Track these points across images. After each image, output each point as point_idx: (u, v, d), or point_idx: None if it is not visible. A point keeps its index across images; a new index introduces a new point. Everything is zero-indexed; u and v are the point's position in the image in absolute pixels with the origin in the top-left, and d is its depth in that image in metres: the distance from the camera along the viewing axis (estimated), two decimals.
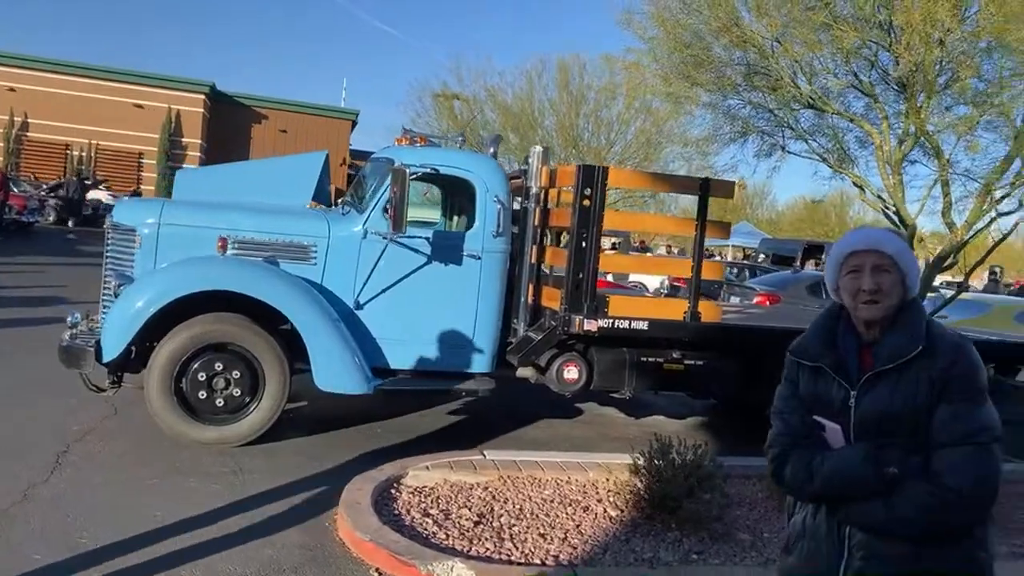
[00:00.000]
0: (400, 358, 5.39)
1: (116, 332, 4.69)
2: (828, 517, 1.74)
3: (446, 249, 5.39)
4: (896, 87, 8.09)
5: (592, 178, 5.15)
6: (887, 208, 8.96)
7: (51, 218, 19.34)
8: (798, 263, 19.60)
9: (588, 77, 18.61)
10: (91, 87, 32.92)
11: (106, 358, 4.70)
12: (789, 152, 9.66)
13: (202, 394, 4.85)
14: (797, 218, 41.58)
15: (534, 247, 5.58)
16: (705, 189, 5.38)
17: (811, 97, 8.28)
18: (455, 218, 6.23)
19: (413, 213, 5.53)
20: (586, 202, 5.16)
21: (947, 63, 7.32)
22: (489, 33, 76.65)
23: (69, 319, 5.12)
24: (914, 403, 1.66)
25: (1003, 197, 8.45)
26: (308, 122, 38.18)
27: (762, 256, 21.61)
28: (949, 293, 9.81)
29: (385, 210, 5.26)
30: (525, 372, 5.77)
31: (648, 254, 19.69)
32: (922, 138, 8.06)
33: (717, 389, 5.87)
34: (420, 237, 5.31)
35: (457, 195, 5.88)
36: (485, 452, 4.96)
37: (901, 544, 1.65)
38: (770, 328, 6.09)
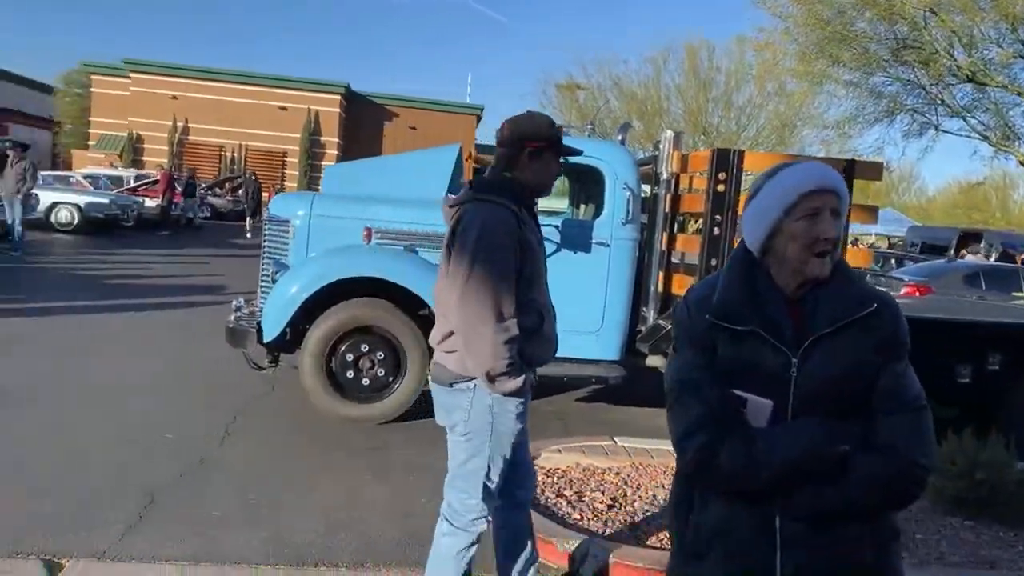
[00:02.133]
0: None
1: (274, 315, 5.11)
2: (753, 509, 1.45)
3: (575, 237, 5.45)
4: None
5: (727, 162, 5.04)
6: None
7: (209, 214, 21.18)
8: (952, 252, 18.14)
9: (717, 60, 18.05)
10: (241, 92, 35.62)
11: (266, 339, 5.13)
12: (943, 131, 9.00)
13: (350, 374, 5.19)
14: (950, 203, 38.36)
15: (665, 234, 5.53)
16: (850, 171, 5.12)
17: (970, 70, 7.65)
18: (582, 206, 6.27)
19: (542, 203, 5.63)
20: (720, 187, 5.05)
21: None
22: (612, 23, 75.70)
23: (234, 303, 5.63)
24: (859, 370, 1.44)
25: None
26: (435, 118, 39.44)
27: (911, 244, 20.16)
28: None
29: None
30: (655, 360, 5.74)
31: None
32: None
33: None
34: (550, 225, 5.40)
35: (585, 183, 5.92)
36: (616, 438, 5.00)
37: (843, 528, 1.43)
38: (921, 318, 5.72)
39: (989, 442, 4.22)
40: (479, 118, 40.98)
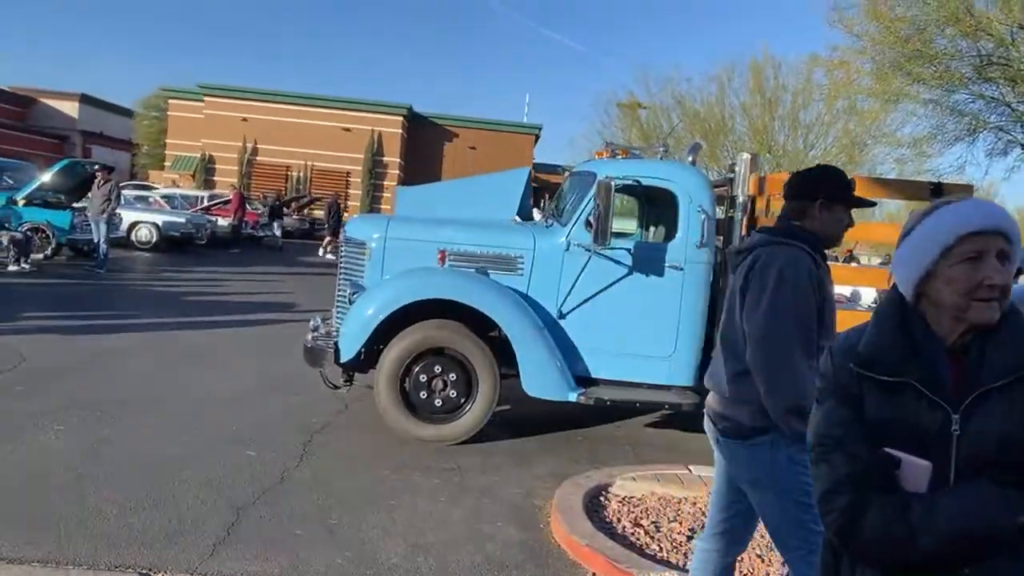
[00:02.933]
0: (601, 367, 5.48)
1: (351, 336, 5.21)
2: None
3: (648, 260, 5.41)
4: None
5: None
6: None
7: (279, 232, 21.79)
8: None
9: (783, 78, 17.76)
10: (307, 114, 36.72)
11: (343, 359, 5.24)
12: None
13: (423, 394, 5.25)
14: None
15: None
16: (937, 193, 4.94)
17: None
18: (651, 228, 6.23)
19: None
20: None
21: None
22: (672, 41, 75.35)
23: (311, 323, 5.77)
24: None
25: None
26: (494, 138, 39.85)
27: None
28: None
29: (588, 223, 5.42)
30: None
31: (854, 264, 18.32)
32: None
33: None
34: (622, 248, 5.38)
35: (657, 205, 5.88)
36: (691, 467, 4.91)
37: None
38: None
39: None
40: (537, 137, 41.21)
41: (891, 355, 1.37)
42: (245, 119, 36.37)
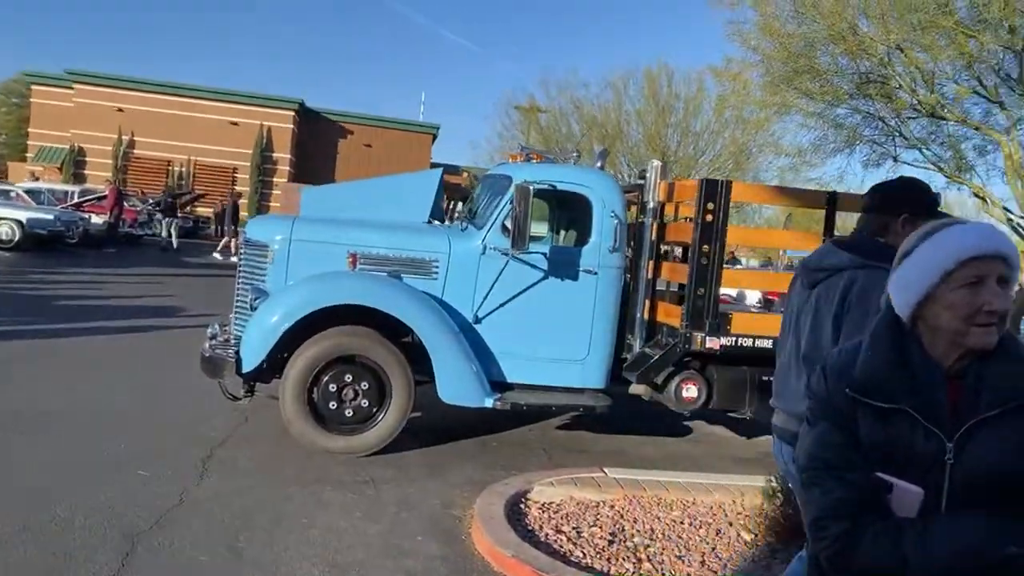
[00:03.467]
0: (516, 372, 5.44)
1: (255, 345, 4.92)
2: None
3: (562, 265, 5.42)
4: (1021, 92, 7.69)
5: (715, 193, 5.09)
6: (1011, 217, 8.51)
7: (174, 230, 20.41)
8: None
9: (676, 87, 18.46)
10: (190, 106, 34.78)
11: (245, 369, 4.93)
12: (901, 161, 9.32)
13: (332, 404, 5.02)
14: None
15: (651, 262, 5.55)
16: (833, 203, 5.23)
17: (930, 105, 7.96)
18: (562, 233, 6.25)
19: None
20: (708, 217, 5.09)
21: None
22: (571, 47, 76.84)
23: (209, 330, 5.40)
24: None
25: None
26: (391, 136, 39.24)
27: None
28: None
29: (504, 227, 5.37)
30: (638, 389, 5.73)
31: (738, 266, 19.30)
32: None
33: None
34: (538, 252, 5.36)
35: (569, 210, 5.90)
36: (605, 469, 4.95)
37: None
38: None
39: None
40: (435, 137, 40.93)
41: (888, 381, 1.35)
42: (120, 109, 34.02)
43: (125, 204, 20.44)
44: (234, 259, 18.27)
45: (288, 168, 36.12)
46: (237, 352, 5.01)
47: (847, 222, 5.45)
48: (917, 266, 1.39)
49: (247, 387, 5.27)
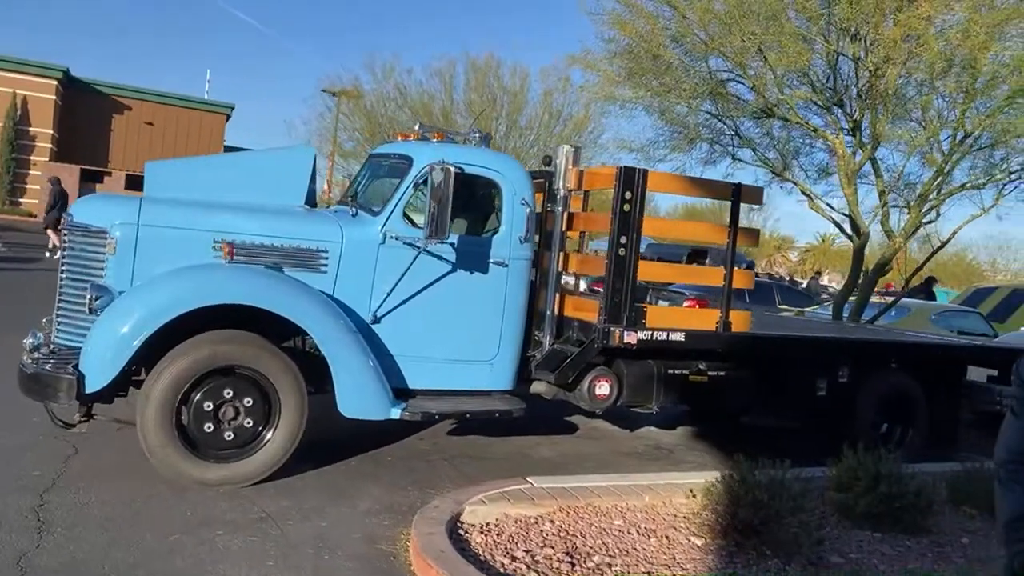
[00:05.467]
0: (418, 376, 4.86)
1: (104, 358, 3.86)
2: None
3: (471, 256, 4.92)
4: (856, 99, 8.42)
5: (633, 181, 4.87)
6: (834, 215, 9.34)
7: None
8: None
9: (504, 79, 18.44)
10: None
11: (92, 388, 3.86)
12: (739, 159, 9.88)
13: (208, 426, 4.10)
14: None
15: (561, 253, 5.22)
16: (737, 195, 5.25)
17: (766, 107, 8.48)
18: (462, 221, 5.74)
19: (412, 216, 5.00)
20: (626, 207, 4.87)
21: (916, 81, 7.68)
22: (392, 32, 74.21)
23: (28, 341, 4.19)
24: None
25: (931, 208, 9.04)
26: (178, 115, 35.52)
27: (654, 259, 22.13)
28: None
29: (405, 214, 4.77)
30: (540, 388, 5.39)
31: None
32: (875, 149, 8.43)
33: (738, 400, 5.75)
34: (444, 243, 4.80)
35: (475, 196, 5.39)
36: (529, 479, 4.54)
37: None
38: (798, 337, 6.12)
39: (882, 454, 4.50)
40: (228, 117, 37.67)
41: None
42: None
43: None
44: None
45: (51, 145, 31.30)
46: (76, 368, 3.91)
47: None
48: None
49: (83, 411, 4.17)
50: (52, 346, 4.29)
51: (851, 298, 9.61)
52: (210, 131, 36.20)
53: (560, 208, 5.17)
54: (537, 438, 5.96)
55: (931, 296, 14.42)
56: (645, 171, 4.96)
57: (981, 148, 8.17)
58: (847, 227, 9.14)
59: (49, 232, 15.88)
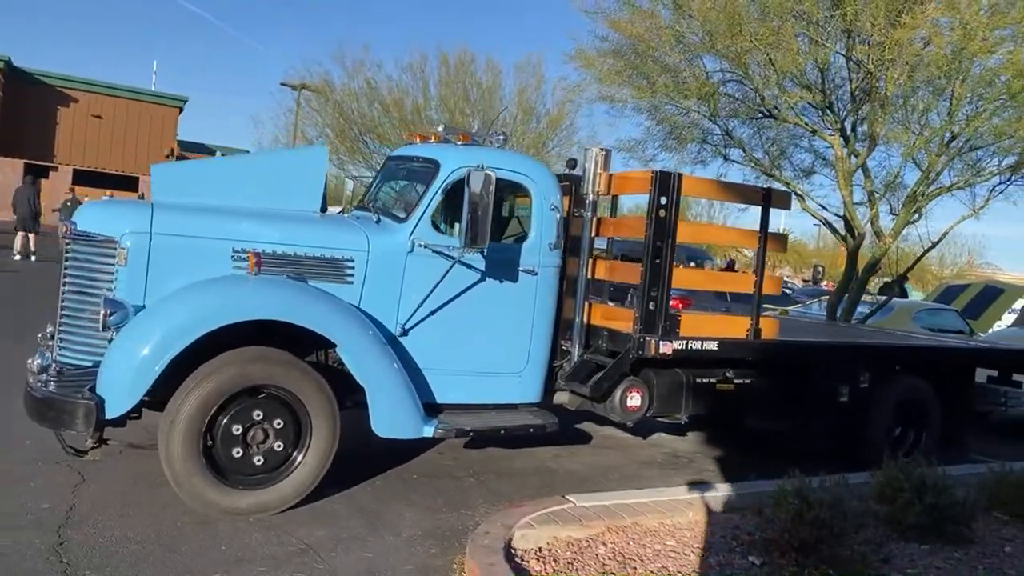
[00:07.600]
0: (446, 390, 4.64)
1: (127, 380, 3.54)
2: None
3: (501, 264, 4.71)
4: (852, 100, 8.45)
5: (668, 186, 4.72)
6: (827, 215, 9.38)
7: None
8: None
9: (477, 74, 18.14)
10: None
11: (113, 414, 3.53)
12: (731, 160, 9.85)
13: (236, 451, 3.81)
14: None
15: (591, 261, 5.05)
16: (767, 199, 5.15)
17: (774, 107, 8.45)
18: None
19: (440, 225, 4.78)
20: (662, 212, 4.72)
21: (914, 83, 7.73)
22: (357, 24, 72.48)
23: (35, 361, 3.82)
24: None
25: (917, 209, 9.15)
26: (127, 107, 34.24)
27: (618, 256, 22.15)
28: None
29: (433, 221, 4.54)
30: (562, 398, 5.23)
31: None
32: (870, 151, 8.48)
33: (763, 408, 5.65)
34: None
35: (505, 202, 5.17)
36: (570, 497, 4.36)
37: None
38: (829, 344, 6.08)
39: (919, 463, 4.45)
40: (181, 110, 36.44)
41: None
42: None
43: None
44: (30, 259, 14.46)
45: None
46: (92, 391, 3.57)
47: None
48: None
49: (96, 437, 3.83)
50: (57, 365, 3.93)
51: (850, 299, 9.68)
52: (161, 124, 34.99)
53: (588, 213, 5.00)
54: (555, 449, 5.78)
55: (904, 294, 14.72)
56: (680, 175, 4.82)
57: (974, 149, 8.28)
58: (840, 227, 9.19)
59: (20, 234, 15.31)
